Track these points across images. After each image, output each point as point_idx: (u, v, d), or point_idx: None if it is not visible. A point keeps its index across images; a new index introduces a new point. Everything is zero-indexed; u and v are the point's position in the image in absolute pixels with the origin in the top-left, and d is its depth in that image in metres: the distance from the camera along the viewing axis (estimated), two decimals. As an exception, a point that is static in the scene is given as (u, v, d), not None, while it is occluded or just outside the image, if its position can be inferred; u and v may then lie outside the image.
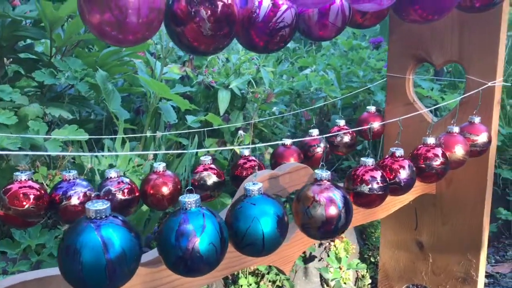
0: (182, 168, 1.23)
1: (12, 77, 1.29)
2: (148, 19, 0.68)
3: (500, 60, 0.92)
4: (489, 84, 0.91)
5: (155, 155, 1.20)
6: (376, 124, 1.07)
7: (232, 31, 0.73)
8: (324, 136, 0.83)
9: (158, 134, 1.13)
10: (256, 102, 1.39)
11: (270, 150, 1.38)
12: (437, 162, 0.79)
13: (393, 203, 0.93)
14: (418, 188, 0.99)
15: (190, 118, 1.31)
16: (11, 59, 1.28)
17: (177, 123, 1.37)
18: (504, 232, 1.52)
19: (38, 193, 0.65)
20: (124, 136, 1.17)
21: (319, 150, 0.97)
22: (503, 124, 1.56)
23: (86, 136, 1.01)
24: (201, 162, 0.83)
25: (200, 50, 0.73)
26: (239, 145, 1.36)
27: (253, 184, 0.58)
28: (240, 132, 1.34)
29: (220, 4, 0.68)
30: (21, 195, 0.64)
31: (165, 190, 0.76)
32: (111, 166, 1.08)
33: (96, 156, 1.07)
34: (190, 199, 0.54)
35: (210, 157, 0.83)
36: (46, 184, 1.02)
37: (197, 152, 1.34)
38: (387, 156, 0.77)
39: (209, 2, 0.69)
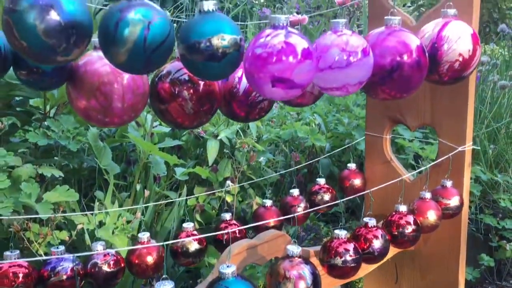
0: (170, 222, 1.27)
1: (8, 130, 1.34)
2: (133, 103, 0.73)
3: (469, 126, 0.97)
4: (459, 149, 0.96)
5: (144, 210, 1.24)
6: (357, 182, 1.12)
7: (213, 107, 0.78)
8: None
9: (146, 192, 1.17)
10: (244, 153, 1.44)
11: (258, 200, 1.43)
12: (409, 230, 0.84)
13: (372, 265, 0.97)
14: (396, 246, 1.03)
15: (178, 171, 1.35)
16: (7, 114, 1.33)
17: (167, 174, 1.41)
18: (487, 278, 1.55)
19: (27, 270, 0.69)
20: (114, 189, 1.21)
21: (300, 210, 1.01)
22: (485, 169, 1.61)
23: (76, 197, 1.06)
24: (183, 229, 0.87)
25: (184, 126, 0.78)
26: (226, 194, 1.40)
27: (227, 266, 0.63)
28: (228, 182, 1.39)
29: (201, 83, 0.73)
30: (10, 274, 0.68)
31: (150, 259, 0.80)
32: (101, 223, 1.11)
33: (86, 214, 1.11)
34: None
35: (192, 224, 0.87)
36: (38, 243, 1.06)
37: (186, 202, 1.39)
38: (361, 226, 0.82)
39: (191, 83, 0.74)
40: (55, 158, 1.24)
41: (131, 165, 1.47)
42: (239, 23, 0.91)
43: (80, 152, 1.36)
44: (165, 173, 1.36)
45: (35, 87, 0.62)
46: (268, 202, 0.98)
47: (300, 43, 0.62)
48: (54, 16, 0.43)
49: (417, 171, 0.99)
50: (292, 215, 0.99)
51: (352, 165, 1.14)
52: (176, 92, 0.73)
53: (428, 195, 0.90)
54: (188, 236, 0.85)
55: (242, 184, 1.49)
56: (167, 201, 1.31)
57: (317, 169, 1.85)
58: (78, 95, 0.71)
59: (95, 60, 0.69)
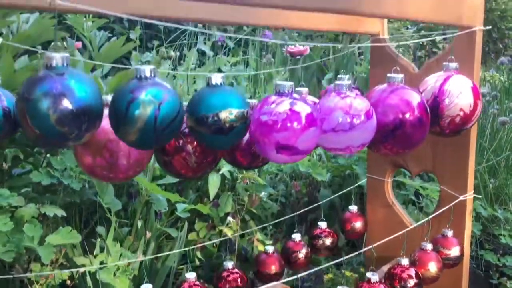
0: (172, 260, 1.27)
1: (11, 164, 1.34)
2: (138, 159, 0.74)
3: (471, 174, 0.98)
4: (461, 198, 0.97)
5: (145, 250, 1.24)
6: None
7: (217, 158, 0.79)
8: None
9: (148, 234, 1.18)
10: (246, 188, 1.44)
11: (259, 236, 1.43)
12: (411, 284, 0.84)
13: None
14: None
15: (180, 206, 1.35)
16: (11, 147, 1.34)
17: (168, 210, 1.41)
18: (488, 315, 1.55)
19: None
20: (116, 227, 1.21)
21: (301, 255, 1.01)
22: (485, 204, 1.61)
23: (79, 238, 1.06)
24: (186, 279, 0.87)
25: (188, 177, 0.78)
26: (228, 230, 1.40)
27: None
28: (229, 218, 1.39)
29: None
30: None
31: (151, 311, 0.80)
32: (102, 263, 1.11)
33: (87, 254, 1.11)
34: None
35: (194, 274, 0.87)
36: (40, 284, 1.06)
37: (187, 238, 1.39)
38: (364, 282, 0.82)
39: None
40: (58, 195, 1.25)
41: (133, 198, 1.48)
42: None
43: (83, 188, 1.36)
44: (166, 209, 1.37)
45: (45, 147, 0.63)
46: (270, 249, 0.98)
47: (305, 110, 0.63)
48: (66, 104, 0.44)
49: (418, 223, 0.99)
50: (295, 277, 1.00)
51: (353, 208, 1.14)
52: (180, 145, 0.74)
53: (429, 246, 0.91)
54: (190, 287, 0.85)
55: (243, 215, 1.49)
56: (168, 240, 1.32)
57: (318, 198, 1.85)
58: (85, 152, 0.71)
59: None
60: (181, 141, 0.73)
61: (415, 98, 0.78)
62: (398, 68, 0.81)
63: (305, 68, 2.72)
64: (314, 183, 1.92)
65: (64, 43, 1.37)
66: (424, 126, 0.77)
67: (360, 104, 0.70)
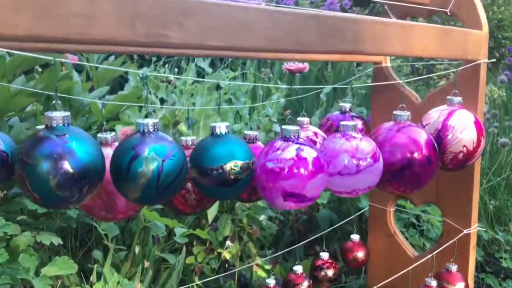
0: (170, 285, 1.25)
1: (7, 188, 1.32)
2: (138, 199, 0.72)
3: (475, 207, 0.96)
4: (465, 232, 0.95)
5: (143, 278, 1.22)
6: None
7: None
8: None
9: (146, 263, 1.16)
10: (245, 210, 1.43)
11: (258, 260, 1.41)
12: (415, 323, 0.82)
13: None
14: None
15: (178, 231, 1.33)
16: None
17: (166, 233, 1.39)
18: None
19: None
20: (114, 253, 1.19)
21: (303, 288, 1.00)
22: (486, 226, 1.60)
23: (75, 268, 1.04)
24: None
25: (186, 212, 0.77)
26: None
27: None
28: (228, 242, 1.37)
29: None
30: None
31: None
32: (99, 293, 1.09)
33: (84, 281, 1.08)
34: None
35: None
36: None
37: (185, 261, 1.37)
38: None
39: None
40: (55, 219, 1.22)
41: (130, 221, 1.46)
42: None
43: (79, 214, 1.34)
44: (164, 233, 1.35)
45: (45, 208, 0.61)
46: (271, 282, 0.97)
47: (312, 156, 0.62)
48: (67, 168, 0.42)
49: (422, 260, 0.97)
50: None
51: (355, 237, 1.13)
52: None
53: (434, 283, 0.89)
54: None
55: (242, 237, 1.47)
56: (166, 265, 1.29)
57: (317, 218, 1.84)
58: None
59: None
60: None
61: (423, 137, 0.76)
62: (404, 105, 0.80)
63: (302, 79, 2.72)
64: (313, 205, 1.90)
65: (63, 62, 1.35)
66: (432, 165, 0.76)
67: (367, 146, 0.69)
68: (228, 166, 0.53)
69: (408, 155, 0.74)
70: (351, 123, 0.70)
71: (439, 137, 0.83)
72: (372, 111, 1.10)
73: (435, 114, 0.86)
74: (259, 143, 0.87)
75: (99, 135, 0.72)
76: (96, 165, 0.45)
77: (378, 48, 0.71)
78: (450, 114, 0.84)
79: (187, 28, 0.52)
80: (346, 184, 0.68)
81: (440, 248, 0.96)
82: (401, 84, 1.06)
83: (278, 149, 0.62)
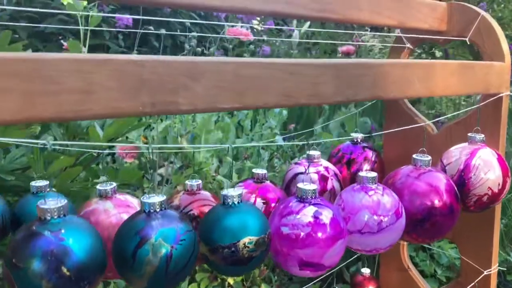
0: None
1: None
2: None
3: (495, 248, 0.91)
4: (485, 273, 0.90)
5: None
6: (371, 289, 1.06)
7: None
8: None
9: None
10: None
11: (263, 286, 1.36)
12: None
13: None
14: None
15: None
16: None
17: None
18: None
19: None
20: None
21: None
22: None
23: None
24: None
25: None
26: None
27: None
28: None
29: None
30: None
31: None
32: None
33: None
34: None
35: None
36: None
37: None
38: None
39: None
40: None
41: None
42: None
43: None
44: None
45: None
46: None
47: (331, 219, 0.56)
48: (63, 270, 0.37)
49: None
50: None
51: (366, 271, 1.08)
52: None
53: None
54: None
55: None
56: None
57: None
58: None
59: (99, 212, 0.63)
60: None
61: (444, 184, 0.71)
62: (424, 149, 0.74)
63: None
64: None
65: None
66: (454, 214, 0.71)
67: (389, 201, 0.63)
68: (242, 243, 0.48)
69: (429, 204, 0.69)
70: (370, 174, 0.65)
71: (462, 179, 0.78)
72: (384, 142, 1.05)
73: (457, 153, 0.81)
74: (268, 183, 0.82)
75: (98, 187, 0.67)
76: (96, 261, 0.40)
77: (399, 92, 0.65)
78: (473, 154, 0.79)
79: (195, 91, 0.46)
80: (366, 243, 0.63)
81: (460, 293, 0.91)
82: (414, 113, 1.01)
83: (293, 212, 0.56)
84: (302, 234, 0.55)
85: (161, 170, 1.67)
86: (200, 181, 0.75)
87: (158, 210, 0.44)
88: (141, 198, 0.44)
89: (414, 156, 0.73)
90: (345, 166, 0.97)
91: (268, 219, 0.58)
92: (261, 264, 0.53)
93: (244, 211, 0.49)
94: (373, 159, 0.98)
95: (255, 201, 0.77)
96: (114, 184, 0.68)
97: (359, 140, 0.99)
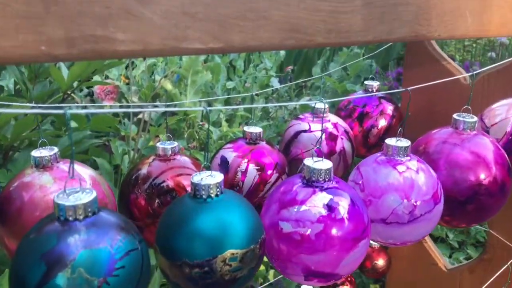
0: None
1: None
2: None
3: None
4: (520, 253, 0.76)
5: None
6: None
7: None
8: None
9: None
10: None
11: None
12: None
13: None
14: None
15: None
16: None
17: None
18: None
19: None
20: None
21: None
22: None
23: None
24: None
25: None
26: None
27: None
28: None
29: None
30: None
31: None
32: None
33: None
34: None
35: None
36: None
37: None
38: None
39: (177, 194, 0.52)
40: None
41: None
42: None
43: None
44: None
45: None
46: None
47: (351, 211, 0.39)
48: None
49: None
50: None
51: (374, 243, 0.93)
52: (156, 210, 0.53)
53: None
54: None
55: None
56: None
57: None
58: (10, 234, 0.49)
59: (34, 187, 0.47)
60: (156, 204, 0.53)
61: (494, 153, 0.54)
62: (469, 106, 0.57)
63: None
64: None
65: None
66: (505, 193, 0.54)
67: (425, 182, 0.46)
68: (220, 260, 0.31)
69: (474, 181, 0.52)
70: (402, 143, 0.48)
71: (510, 144, 0.61)
72: (403, 92, 0.87)
73: (502, 110, 0.64)
74: (264, 144, 0.66)
75: (33, 153, 0.50)
76: None
77: (446, 31, 0.47)
78: (523, 112, 0.62)
79: (143, 20, 0.28)
80: (391, 235, 0.47)
81: (488, 282, 0.77)
82: (441, 56, 0.82)
83: (298, 201, 0.39)
84: (310, 233, 0.38)
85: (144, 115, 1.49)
86: (175, 144, 0.58)
87: (82, 216, 0.27)
88: (55, 197, 0.27)
89: (455, 116, 0.56)
90: (357, 121, 0.80)
91: (262, 210, 0.41)
92: (248, 283, 0.36)
93: (226, 209, 0.32)
94: (391, 113, 0.80)
95: (247, 167, 0.61)
96: (56, 149, 0.50)
97: (374, 90, 0.81)
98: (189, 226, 0.31)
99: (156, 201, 0.55)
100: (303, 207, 0.38)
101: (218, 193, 0.32)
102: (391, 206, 0.45)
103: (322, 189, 0.39)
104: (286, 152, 0.74)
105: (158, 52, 0.28)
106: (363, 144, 0.81)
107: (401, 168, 0.46)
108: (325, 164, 0.40)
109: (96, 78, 1.56)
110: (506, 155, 0.55)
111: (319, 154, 0.41)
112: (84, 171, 0.52)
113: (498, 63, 0.75)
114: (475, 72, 0.65)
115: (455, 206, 0.53)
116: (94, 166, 1.03)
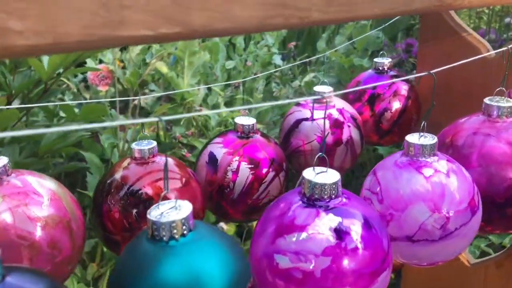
0: None
1: None
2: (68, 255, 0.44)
3: None
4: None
5: None
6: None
7: None
8: None
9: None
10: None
11: None
12: None
13: None
14: None
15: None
16: None
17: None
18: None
19: None
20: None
21: None
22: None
23: None
24: None
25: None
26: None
27: None
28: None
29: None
30: None
31: None
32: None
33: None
34: None
35: None
36: None
37: None
38: None
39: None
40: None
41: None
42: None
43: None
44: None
45: None
46: None
47: (367, 237, 0.30)
48: None
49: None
50: None
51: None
52: (132, 223, 0.46)
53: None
54: None
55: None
56: None
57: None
58: None
59: None
60: (132, 216, 0.46)
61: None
62: (504, 88, 0.47)
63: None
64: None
65: None
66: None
67: (459, 187, 0.37)
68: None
69: (515, 180, 0.43)
70: (427, 140, 0.38)
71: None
72: (418, 68, 0.77)
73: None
74: (258, 137, 0.58)
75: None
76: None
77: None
78: None
79: None
80: (418, 255, 0.38)
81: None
82: (460, 26, 0.72)
83: (297, 226, 0.30)
84: (314, 269, 0.29)
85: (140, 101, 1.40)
86: (154, 143, 0.50)
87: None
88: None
89: (486, 100, 0.46)
90: (367, 105, 0.70)
91: (254, 233, 0.32)
92: None
93: (196, 254, 0.23)
94: (406, 93, 0.71)
95: (238, 165, 0.53)
96: (5, 159, 0.42)
97: (385, 69, 0.71)
98: (147, 279, 0.22)
99: (133, 212, 0.47)
100: (304, 235, 0.29)
101: (185, 232, 0.24)
102: (419, 220, 0.36)
103: (327, 210, 0.30)
104: (286, 144, 0.65)
105: (77, 46, 0.19)
106: (376, 130, 0.71)
107: (427, 171, 0.37)
108: (331, 177, 0.31)
109: (90, 63, 1.47)
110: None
111: (323, 163, 0.32)
112: (41, 185, 0.43)
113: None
114: (509, 47, 0.55)
115: (492, 210, 0.43)
116: (83, 160, 0.95)
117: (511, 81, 0.57)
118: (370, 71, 0.73)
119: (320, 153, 0.30)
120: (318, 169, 0.32)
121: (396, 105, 0.70)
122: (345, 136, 0.63)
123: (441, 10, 0.36)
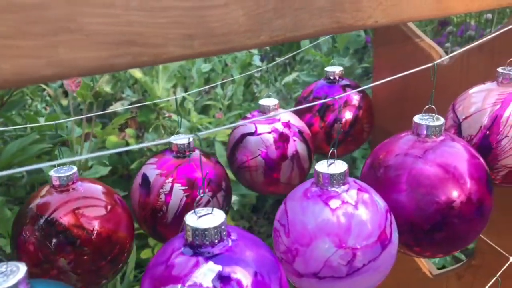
0: None
1: None
2: None
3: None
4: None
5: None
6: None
7: (124, 254, 0.47)
8: None
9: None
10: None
11: None
12: None
13: None
14: None
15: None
16: None
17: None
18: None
19: None
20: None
21: None
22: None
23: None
24: None
25: None
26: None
27: None
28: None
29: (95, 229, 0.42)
30: None
31: None
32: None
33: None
34: None
35: None
36: None
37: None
38: None
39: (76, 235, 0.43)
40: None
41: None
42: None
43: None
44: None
45: None
46: None
47: (256, 282, 0.28)
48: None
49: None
50: None
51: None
52: (49, 257, 0.44)
53: None
54: None
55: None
56: None
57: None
58: None
59: None
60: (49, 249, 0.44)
61: (468, 162, 0.42)
62: (433, 106, 0.44)
63: None
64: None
65: None
66: (485, 213, 0.43)
67: (369, 219, 0.35)
68: None
69: (444, 204, 0.41)
70: (336, 168, 0.36)
71: (486, 141, 0.49)
72: (374, 75, 0.74)
73: (479, 98, 0.51)
74: (196, 155, 0.56)
75: None
76: None
77: (389, 17, 0.35)
78: (506, 101, 0.50)
79: None
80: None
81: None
82: (413, 32, 0.69)
83: (173, 278, 0.28)
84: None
85: (116, 105, 1.38)
86: (75, 169, 0.47)
87: None
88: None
89: (416, 119, 0.44)
90: (318, 115, 0.68)
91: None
92: None
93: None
94: (357, 103, 0.68)
95: (171, 186, 0.52)
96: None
97: (337, 78, 0.69)
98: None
99: (48, 244, 0.45)
100: (179, 287, 0.27)
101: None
102: (324, 256, 0.34)
103: (208, 257, 0.28)
104: (232, 159, 0.63)
105: None
106: (327, 141, 0.69)
107: (334, 203, 0.35)
108: (216, 218, 0.29)
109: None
110: (483, 164, 0.43)
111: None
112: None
113: (479, 41, 0.62)
114: (452, 54, 0.53)
115: (422, 236, 0.41)
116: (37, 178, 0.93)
117: (450, 94, 0.54)
118: (321, 80, 0.71)
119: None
120: (202, 210, 0.29)
121: (347, 115, 0.68)
122: (290, 151, 0.61)
123: (340, 32, 0.34)
